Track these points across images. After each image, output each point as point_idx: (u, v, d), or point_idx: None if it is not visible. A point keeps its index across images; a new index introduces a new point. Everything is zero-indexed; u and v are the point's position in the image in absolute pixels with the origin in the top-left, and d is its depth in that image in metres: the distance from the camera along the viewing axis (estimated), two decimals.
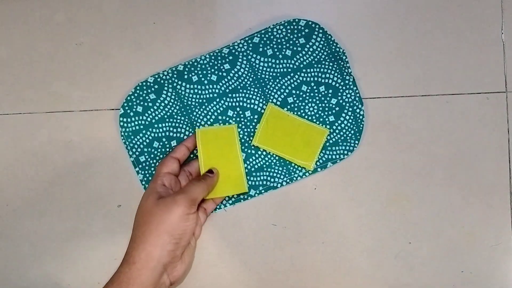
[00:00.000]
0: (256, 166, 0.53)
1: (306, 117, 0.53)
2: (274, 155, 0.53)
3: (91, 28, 0.56)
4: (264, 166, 0.53)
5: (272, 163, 0.53)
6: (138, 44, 0.55)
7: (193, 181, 0.49)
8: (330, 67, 0.53)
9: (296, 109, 0.53)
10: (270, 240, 0.53)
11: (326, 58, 0.53)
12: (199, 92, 0.53)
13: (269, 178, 0.53)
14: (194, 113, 0.53)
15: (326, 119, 0.53)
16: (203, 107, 0.53)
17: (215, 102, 0.53)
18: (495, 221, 0.52)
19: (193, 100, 0.53)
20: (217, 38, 0.55)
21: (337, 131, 0.53)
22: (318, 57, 0.53)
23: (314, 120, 0.53)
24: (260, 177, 0.53)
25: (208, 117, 0.53)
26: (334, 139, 0.53)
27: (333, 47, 0.53)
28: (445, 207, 0.53)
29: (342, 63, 0.53)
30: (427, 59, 0.54)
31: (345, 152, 0.52)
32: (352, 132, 0.53)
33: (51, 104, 0.55)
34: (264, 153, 0.53)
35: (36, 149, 0.55)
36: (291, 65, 0.53)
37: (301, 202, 0.53)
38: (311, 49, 0.53)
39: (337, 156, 0.52)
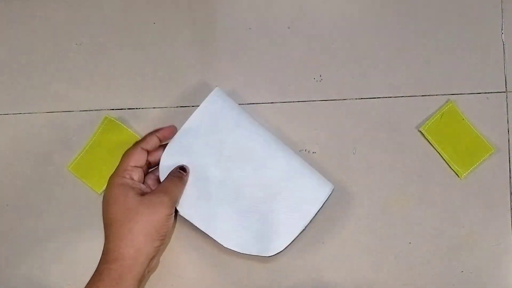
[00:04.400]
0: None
1: None
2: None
3: (91, 28, 0.56)
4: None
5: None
6: (138, 44, 0.55)
7: (173, 181, 0.49)
8: None
9: None
10: None
11: None
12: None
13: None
14: None
15: None
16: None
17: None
18: (495, 221, 0.52)
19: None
20: (217, 38, 0.55)
21: None
22: None
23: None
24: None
25: None
26: None
27: None
28: (445, 207, 0.53)
29: None
30: (427, 59, 0.54)
31: None
32: None
33: (51, 104, 0.55)
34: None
35: (36, 149, 0.55)
36: None
37: None
38: None
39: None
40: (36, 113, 0.55)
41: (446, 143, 0.53)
